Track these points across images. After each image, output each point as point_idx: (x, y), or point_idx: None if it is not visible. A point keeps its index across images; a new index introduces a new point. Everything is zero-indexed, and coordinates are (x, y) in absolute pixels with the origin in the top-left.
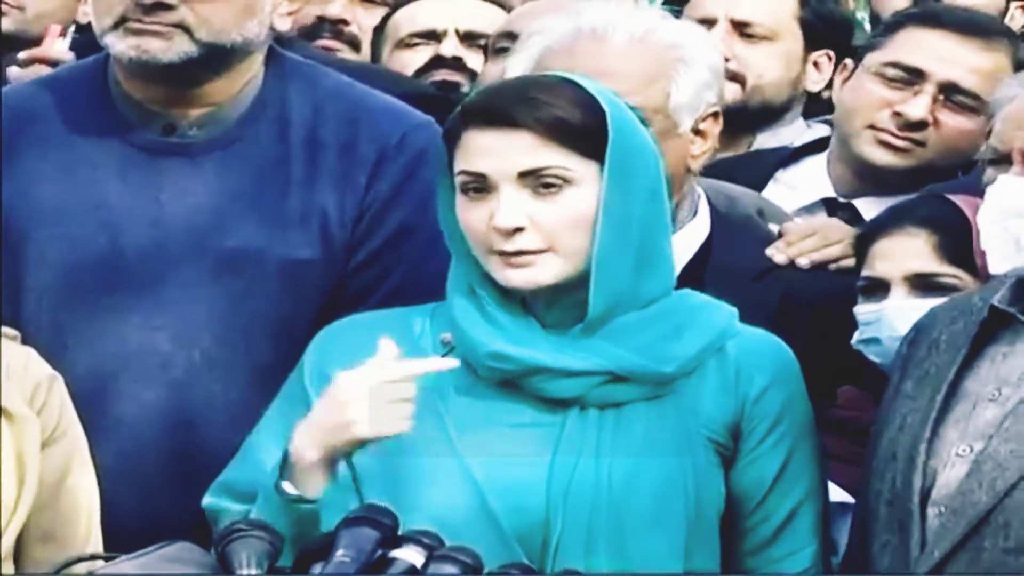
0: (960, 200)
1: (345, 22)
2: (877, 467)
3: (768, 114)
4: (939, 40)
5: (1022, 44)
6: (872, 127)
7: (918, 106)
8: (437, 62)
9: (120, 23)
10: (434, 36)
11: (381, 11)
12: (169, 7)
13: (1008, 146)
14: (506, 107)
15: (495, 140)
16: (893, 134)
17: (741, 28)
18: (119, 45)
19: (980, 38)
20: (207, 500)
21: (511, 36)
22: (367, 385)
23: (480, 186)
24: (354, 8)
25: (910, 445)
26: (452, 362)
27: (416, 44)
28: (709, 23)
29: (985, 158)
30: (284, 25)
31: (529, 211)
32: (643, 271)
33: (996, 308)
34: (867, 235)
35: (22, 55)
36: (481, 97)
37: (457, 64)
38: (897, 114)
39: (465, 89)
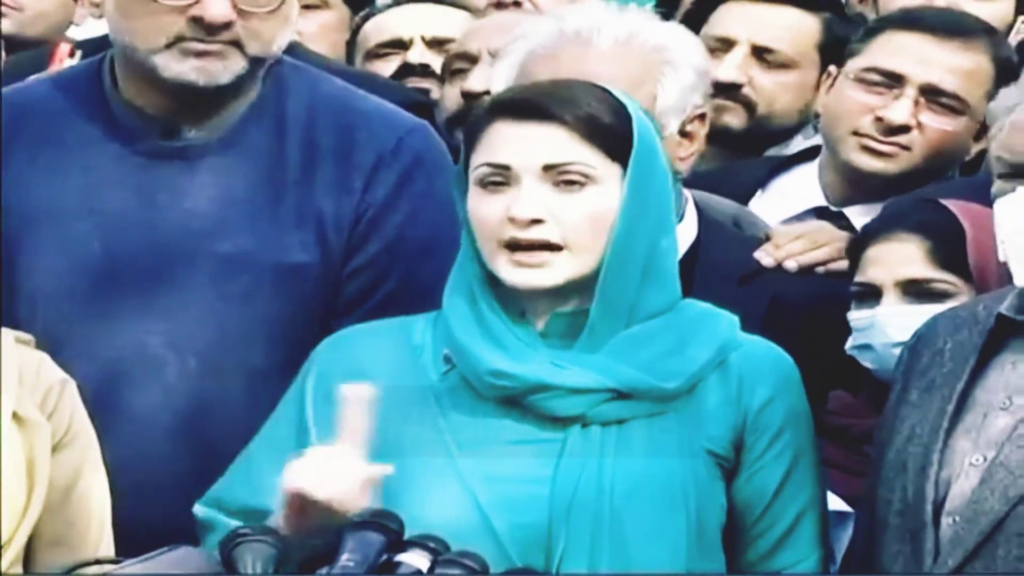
0: (954, 205)
1: None
2: (885, 477)
3: (773, 137)
4: (917, 43)
5: (1003, 42)
6: (856, 133)
7: (899, 110)
8: (406, 70)
9: (174, 43)
10: (401, 45)
11: (317, 15)
12: (229, 25)
13: (1021, 158)
14: (540, 100)
15: (524, 132)
16: (877, 139)
17: (761, 54)
18: (176, 67)
19: (959, 38)
20: (199, 510)
21: (464, 57)
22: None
23: (501, 178)
24: None
25: (921, 456)
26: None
27: (385, 54)
28: (728, 44)
29: (995, 171)
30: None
31: (549, 205)
32: (647, 282)
33: (1003, 316)
34: (860, 240)
35: (32, 78)
36: (513, 91)
37: (425, 71)
38: (879, 119)
39: (435, 95)
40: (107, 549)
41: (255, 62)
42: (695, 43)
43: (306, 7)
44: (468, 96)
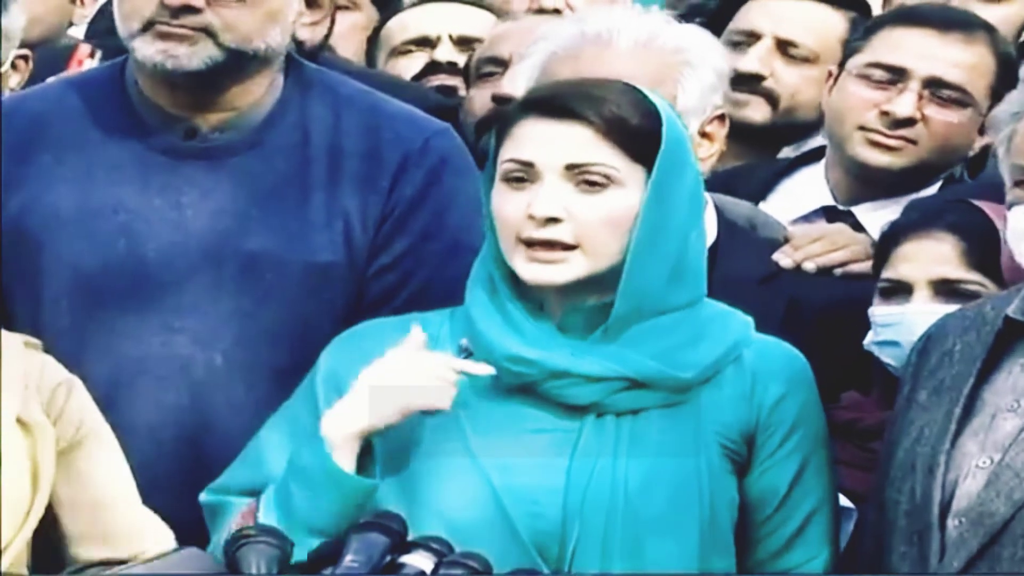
0: (988, 207)
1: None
2: (893, 477)
3: (794, 131)
4: (919, 37)
5: (1002, 38)
6: (862, 128)
7: (904, 104)
8: (433, 67)
9: (148, 27)
10: (427, 42)
11: (345, 16)
12: (196, 10)
13: None
14: (568, 99)
15: (550, 130)
16: (884, 134)
17: (785, 47)
18: (146, 50)
19: (960, 32)
20: (205, 497)
21: (494, 61)
22: (418, 360)
23: (524, 175)
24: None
25: (929, 457)
26: (487, 368)
27: (411, 51)
28: (754, 37)
29: (1008, 178)
30: (307, 35)
31: (568, 204)
32: (676, 281)
33: (1011, 319)
34: (891, 237)
35: (51, 80)
36: (543, 89)
37: (453, 68)
38: (885, 113)
39: (463, 93)
40: (142, 536)
41: (235, 55)
42: (714, 44)
43: (335, 8)
44: (499, 100)
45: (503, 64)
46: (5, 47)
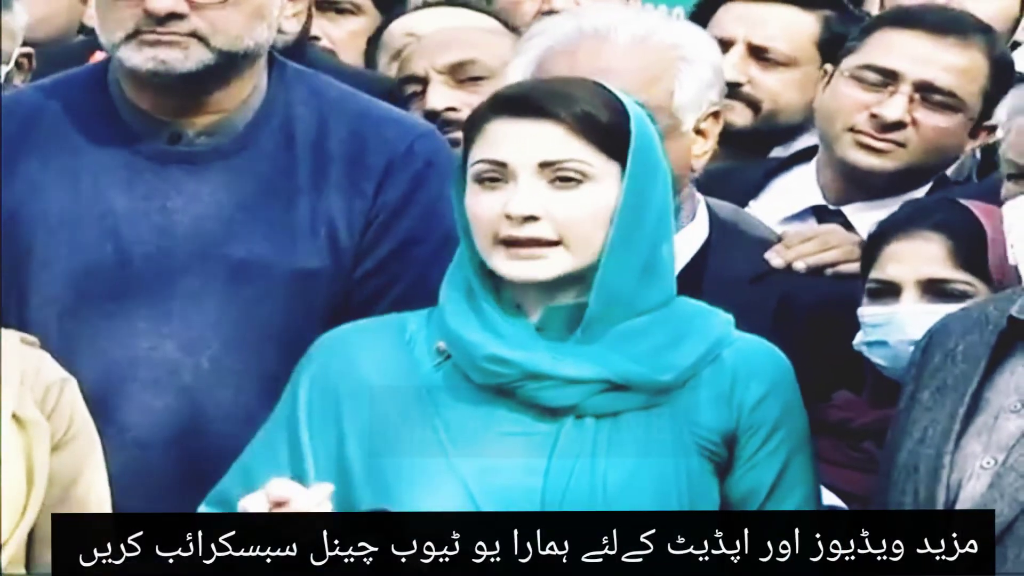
0: (975, 207)
1: (316, 38)
2: (896, 478)
3: (780, 135)
4: (912, 40)
5: (999, 40)
6: (852, 130)
7: (894, 107)
8: None
9: (133, 35)
10: None
11: (348, 21)
12: (181, 16)
13: None
14: (537, 98)
15: (521, 129)
16: (873, 136)
17: (759, 53)
18: (135, 58)
19: (954, 36)
20: (203, 509)
21: (414, 79)
22: None
23: (497, 175)
24: (321, 22)
25: (933, 458)
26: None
27: None
28: (726, 44)
29: (1004, 173)
30: (292, 27)
31: (544, 202)
32: (647, 278)
33: (1014, 319)
34: (879, 237)
35: (31, 84)
36: (512, 89)
37: None
38: (874, 116)
39: None
40: None
41: (225, 56)
42: (711, 41)
43: (339, 11)
44: (430, 116)
45: (422, 81)
46: (7, 45)
